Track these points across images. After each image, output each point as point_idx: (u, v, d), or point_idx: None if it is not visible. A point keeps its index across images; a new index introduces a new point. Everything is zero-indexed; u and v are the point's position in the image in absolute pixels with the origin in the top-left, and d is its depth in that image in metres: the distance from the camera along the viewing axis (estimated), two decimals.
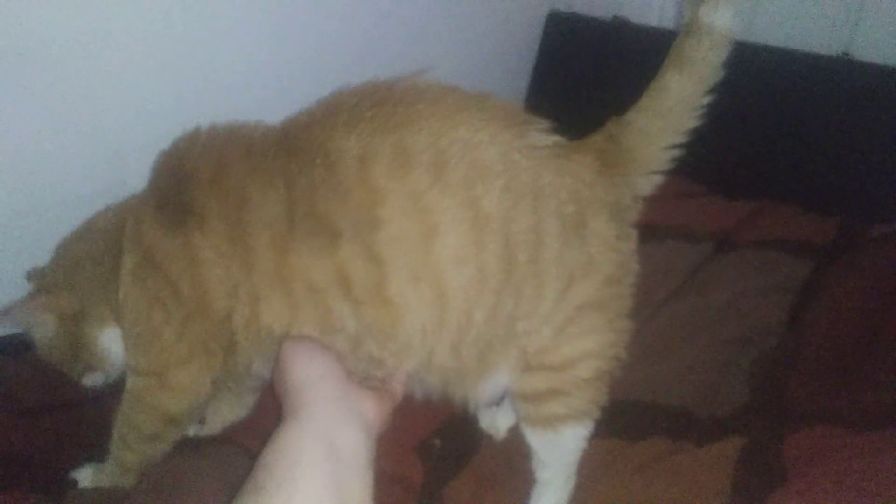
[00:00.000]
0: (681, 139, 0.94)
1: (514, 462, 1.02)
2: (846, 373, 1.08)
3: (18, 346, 1.13)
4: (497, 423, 1.09)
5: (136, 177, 1.25)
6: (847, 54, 1.65)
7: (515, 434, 1.03)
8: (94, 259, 0.96)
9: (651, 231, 1.49)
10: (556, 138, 0.88)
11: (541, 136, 0.87)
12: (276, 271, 0.82)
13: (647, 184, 0.96)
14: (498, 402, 1.06)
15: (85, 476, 1.01)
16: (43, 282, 0.99)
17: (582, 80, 1.99)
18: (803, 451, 0.95)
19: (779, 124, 1.70)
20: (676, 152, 0.95)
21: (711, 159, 1.80)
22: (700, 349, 1.14)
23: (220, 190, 0.84)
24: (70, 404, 1.07)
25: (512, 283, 0.82)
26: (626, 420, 1.07)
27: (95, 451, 1.00)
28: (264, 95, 1.39)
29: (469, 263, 0.79)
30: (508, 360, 0.87)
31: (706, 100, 0.93)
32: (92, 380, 1.00)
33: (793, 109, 1.68)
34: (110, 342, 0.97)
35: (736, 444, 0.98)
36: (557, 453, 0.94)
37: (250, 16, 1.32)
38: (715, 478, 0.94)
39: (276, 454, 0.70)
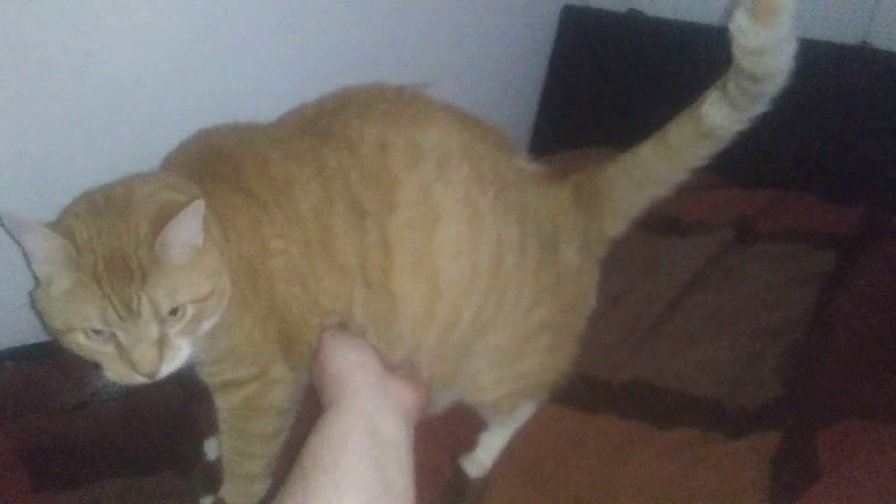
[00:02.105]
0: (652, 201, 1.01)
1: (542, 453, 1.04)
2: (875, 366, 1.08)
3: (48, 352, 1.13)
4: (479, 459, 1.08)
5: None
6: (866, 43, 1.63)
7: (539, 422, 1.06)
8: None
9: (671, 223, 1.51)
10: (540, 167, 0.97)
11: (526, 162, 0.95)
12: (326, 251, 0.86)
13: (616, 229, 1.02)
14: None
15: (211, 448, 1.04)
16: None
17: (598, 74, 1.98)
18: (836, 446, 0.95)
19: (798, 115, 1.68)
20: (649, 204, 1.01)
21: (730, 150, 1.79)
22: (727, 341, 1.15)
23: (269, 178, 0.86)
24: (106, 399, 1.07)
25: (498, 287, 0.88)
26: (652, 406, 1.08)
27: (152, 432, 1.02)
28: (281, 96, 1.40)
29: (465, 258, 0.86)
30: (468, 376, 0.96)
31: (683, 177, 0.99)
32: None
33: (812, 100, 1.67)
34: None
35: (773, 438, 0.98)
36: (511, 420, 1.07)
37: (268, 19, 1.33)
38: (754, 471, 0.94)
39: (321, 442, 0.72)
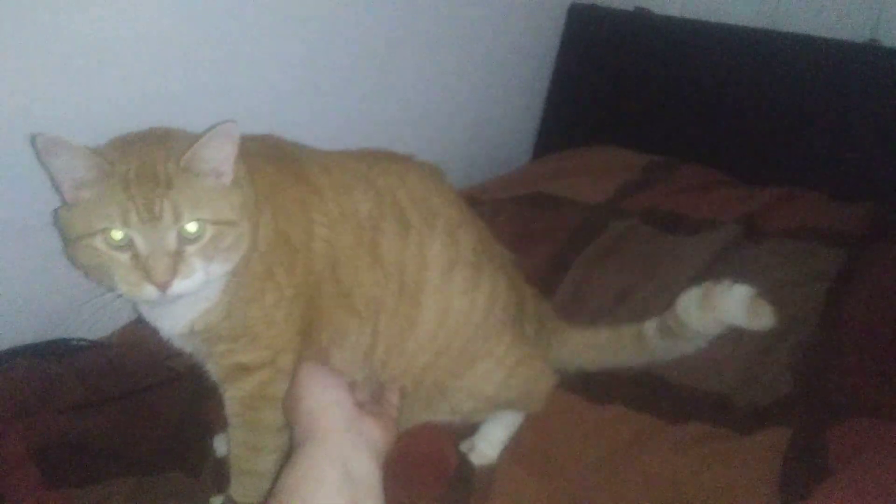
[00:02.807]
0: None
1: (551, 442, 1.05)
2: (886, 363, 1.08)
3: (62, 350, 1.14)
4: (481, 449, 1.07)
5: None
6: (874, 41, 1.63)
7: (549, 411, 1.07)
8: None
9: (678, 221, 1.51)
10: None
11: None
12: (373, 249, 0.92)
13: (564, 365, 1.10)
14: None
15: (221, 445, 1.04)
16: None
17: (604, 72, 1.99)
18: (846, 443, 0.95)
19: (805, 112, 1.69)
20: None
21: (738, 148, 1.81)
22: (737, 337, 1.14)
23: (330, 178, 0.92)
24: (117, 397, 1.08)
25: (486, 327, 0.99)
26: (662, 400, 1.08)
27: (162, 431, 1.03)
28: (285, 97, 1.41)
29: (468, 296, 0.96)
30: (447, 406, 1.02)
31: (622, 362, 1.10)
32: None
33: (819, 98, 1.67)
34: None
35: (783, 435, 0.98)
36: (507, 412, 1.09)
37: (274, 18, 1.33)
38: (764, 467, 0.94)
39: (297, 476, 0.74)
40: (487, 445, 1.06)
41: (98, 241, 0.75)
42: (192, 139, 0.77)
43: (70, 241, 0.77)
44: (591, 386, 1.11)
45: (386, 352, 0.96)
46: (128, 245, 0.75)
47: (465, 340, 0.98)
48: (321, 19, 1.41)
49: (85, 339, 1.18)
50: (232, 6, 1.25)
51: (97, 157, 0.74)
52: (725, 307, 0.96)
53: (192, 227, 0.76)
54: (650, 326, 1.06)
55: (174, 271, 0.75)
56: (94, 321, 1.21)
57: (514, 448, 1.04)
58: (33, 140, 0.73)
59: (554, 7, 2.00)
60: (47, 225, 1.13)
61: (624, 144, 1.88)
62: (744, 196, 1.60)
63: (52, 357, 1.12)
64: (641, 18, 1.93)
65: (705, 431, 1.03)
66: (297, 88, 1.40)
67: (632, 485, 0.96)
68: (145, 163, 0.75)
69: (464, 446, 1.06)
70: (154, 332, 0.92)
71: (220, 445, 1.05)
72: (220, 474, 0.99)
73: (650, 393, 1.09)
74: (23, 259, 1.12)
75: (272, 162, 0.91)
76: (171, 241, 0.75)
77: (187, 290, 0.77)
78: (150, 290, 0.75)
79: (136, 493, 0.95)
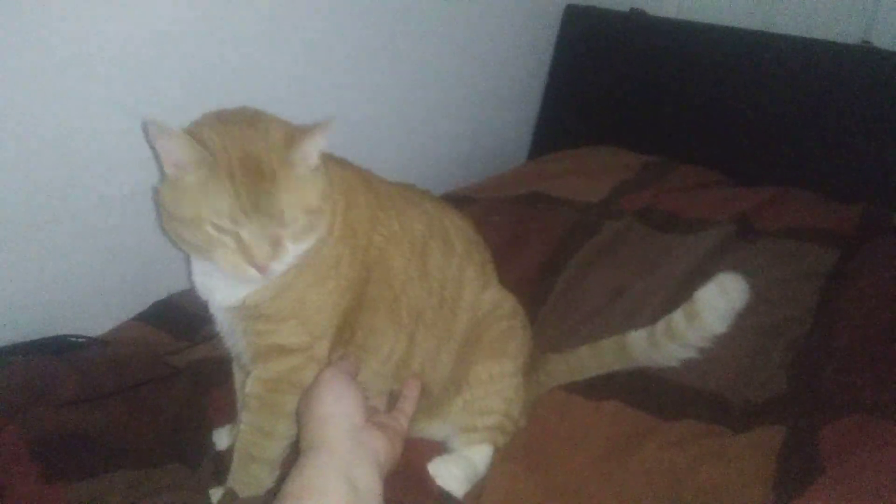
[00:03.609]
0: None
1: (546, 438, 1.06)
2: (878, 362, 1.08)
3: (60, 346, 1.15)
4: (451, 472, 1.01)
5: None
6: (867, 42, 1.65)
7: (546, 408, 1.08)
8: None
9: (673, 220, 1.53)
10: None
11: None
12: (423, 262, 0.99)
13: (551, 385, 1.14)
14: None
15: (220, 438, 1.05)
16: None
17: (600, 72, 2.00)
18: (839, 441, 0.95)
19: (798, 114, 1.71)
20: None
21: (731, 148, 1.82)
22: (731, 336, 1.15)
23: (391, 198, 1.00)
24: (115, 392, 1.07)
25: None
26: (657, 397, 1.09)
27: (161, 425, 1.04)
28: (282, 98, 1.41)
29: (467, 313, 1.05)
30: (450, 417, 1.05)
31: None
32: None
33: (812, 99, 1.69)
34: None
35: (778, 433, 0.99)
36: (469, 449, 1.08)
37: (274, 17, 1.33)
38: (758, 464, 0.95)
39: (302, 484, 0.75)
40: (457, 469, 1.02)
41: (206, 227, 0.81)
42: (285, 127, 0.85)
43: (173, 219, 0.83)
44: (587, 383, 1.12)
45: (421, 364, 1.00)
46: (232, 231, 0.81)
47: (453, 353, 1.05)
48: (317, 21, 1.41)
49: (83, 336, 1.19)
50: (229, 8, 1.26)
51: (199, 148, 0.78)
52: (705, 301, 1.07)
53: (290, 216, 0.82)
54: (637, 337, 1.11)
55: (273, 255, 0.82)
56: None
57: (511, 444, 1.05)
58: (143, 125, 0.81)
59: (550, 8, 2.01)
60: (45, 222, 1.14)
61: (619, 144, 1.89)
62: (738, 196, 1.61)
63: (50, 353, 1.12)
64: (637, 19, 1.94)
65: (700, 429, 1.04)
66: (291, 90, 1.40)
67: (627, 480, 0.96)
68: (248, 154, 0.80)
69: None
70: (200, 303, 0.97)
71: (219, 439, 1.05)
72: (219, 467, 0.99)
73: (646, 390, 1.10)
74: (20, 256, 1.13)
75: (341, 164, 0.97)
76: (272, 230, 0.81)
77: (281, 270, 0.84)
78: (251, 273, 0.82)
79: (134, 485, 0.95)
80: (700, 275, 1.33)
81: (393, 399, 0.98)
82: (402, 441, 0.89)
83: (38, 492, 0.91)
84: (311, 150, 0.84)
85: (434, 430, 1.05)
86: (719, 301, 1.08)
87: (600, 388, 1.11)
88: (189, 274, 0.96)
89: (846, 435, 0.97)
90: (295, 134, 0.83)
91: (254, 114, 0.87)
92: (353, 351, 0.95)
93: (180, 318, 1.29)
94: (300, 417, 0.86)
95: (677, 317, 1.09)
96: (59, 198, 1.15)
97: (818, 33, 1.69)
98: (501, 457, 1.03)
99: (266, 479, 0.93)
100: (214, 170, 0.79)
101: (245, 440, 0.93)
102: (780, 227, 1.46)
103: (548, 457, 1.02)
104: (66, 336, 1.17)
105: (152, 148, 0.82)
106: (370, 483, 0.78)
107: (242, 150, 0.80)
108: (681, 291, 1.30)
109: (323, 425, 0.81)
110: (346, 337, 0.95)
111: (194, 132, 0.81)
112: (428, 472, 0.98)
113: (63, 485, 0.93)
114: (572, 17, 2.01)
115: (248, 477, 0.93)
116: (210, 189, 0.79)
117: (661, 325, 1.11)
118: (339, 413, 0.82)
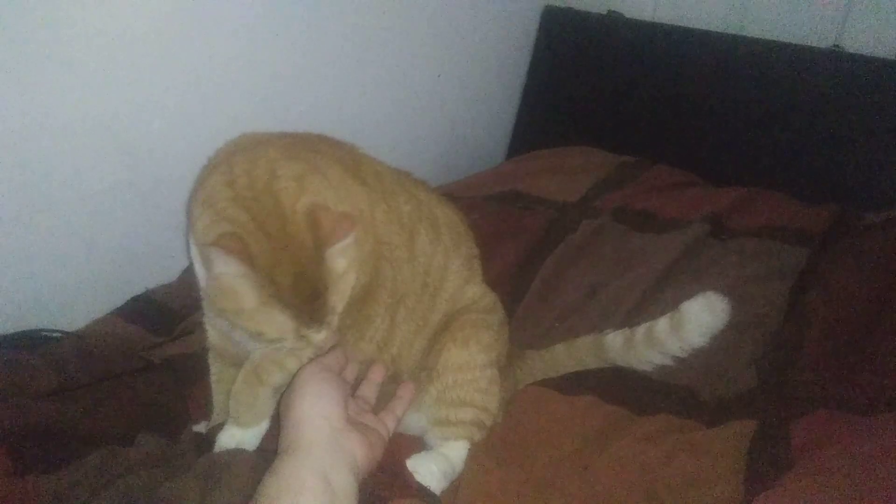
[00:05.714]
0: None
1: (522, 432, 1.06)
2: (847, 358, 1.11)
3: (35, 341, 1.14)
4: (430, 469, 1.00)
5: (146, 173, 1.27)
6: (838, 47, 1.68)
7: (517, 413, 1.08)
8: None
9: (647, 219, 1.55)
10: None
11: None
12: (411, 247, 1.00)
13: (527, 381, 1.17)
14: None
15: (200, 429, 1.05)
16: None
17: (578, 74, 2.02)
18: (809, 435, 0.97)
19: (771, 117, 1.73)
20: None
21: (705, 150, 1.85)
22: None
23: (380, 181, 1.00)
24: (89, 384, 1.06)
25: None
26: (631, 391, 1.11)
27: (136, 410, 1.03)
28: (271, 92, 1.41)
29: (447, 303, 1.06)
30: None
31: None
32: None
33: (785, 102, 1.71)
34: None
35: (749, 427, 1.01)
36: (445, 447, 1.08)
37: (255, 14, 1.33)
38: (730, 457, 0.96)
39: (279, 485, 0.75)
40: (435, 466, 1.02)
41: (267, 337, 0.85)
42: (313, 210, 0.83)
43: (233, 315, 0.84)
44: (562, 378, 1.14)
45: (399, 348, 1.02)
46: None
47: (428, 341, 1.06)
48: (299, 20, 1.42)
49: (58, 330, 1.17)
50: (211, 7, 1.26)
51: (250, 271, 0.79)
52: (692, 313, 1.11)
53: (338, 304, 0.87)
54: (614, 338, 1.14)
55: (326, 333, 0.87)
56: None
57: (487, 438, 1.05)
58: (205, 250, 0.83)
59: (528, 10, 2.02)
60: (21, 217, 1.13)
61: (596, 144, 1.91)
62: (711, 196, 1.64)
63: (25, 347, 1.11)
64: (614, 22, 1.96)
65: (674, 423, 1.05)
66: (274, 87, 1.41)
67: (602, 474, 0.97)
68: (296, 276, 0.81)
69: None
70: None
71: (199, 429, 1.05)
72: (199, 444, 0.99)
73: (621, 385, 1.11)
74: None
75: (335, 160, 0.97)
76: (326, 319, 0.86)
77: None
78: (309, 351, 0.91)
79: (104, 467, 0.93)
80: (675, 273, 1.36)
81: (384, 399, 0.98)
82: (383, 444, 0.89)
83: (9, 484, 0.90)
84: (341, 252, 0.85)
85: (411, 421, 1.05)
86: (705, 316, 1.11)
87: (575, 383, 1.12)
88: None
89: (815, 429, 0.99)
90: (322, 240, 0.83)
91: (274, 199, 0.84)
92: (342, 331, 0.95)
93: (157, 314, 1.28)
94: (280, 416, 0.86)
95: (661, 324, 1.12)
96: (36, 192, 1.14)
97: (791, 38, 1.72)
98: (477, 451, 1.03)
99: (267, 405, 0.95)
100: (275, 297, 0.81)
101: (256, 365, 0.95)
102: (753, 227, 1.49)
103: (523, 451, 1.02)
104: (40, 330, 1.16)
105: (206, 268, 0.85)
106: (347, 486, 0.78)
107: (289, 273, 0.81)
108: (655, 290, 1.33)
109: (300, 428, 0.81)
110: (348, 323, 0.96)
111: (231, 242, 0.79)
112: (407, 468, 0.98)
113: (34, 477, 0.91)
114: (550, 18, 2.03)
115: (252, 398, 0.95)
116: (269, 310, 0.82)
117: (641, 330, 1.13)
118: (316, 415, 0.82)
